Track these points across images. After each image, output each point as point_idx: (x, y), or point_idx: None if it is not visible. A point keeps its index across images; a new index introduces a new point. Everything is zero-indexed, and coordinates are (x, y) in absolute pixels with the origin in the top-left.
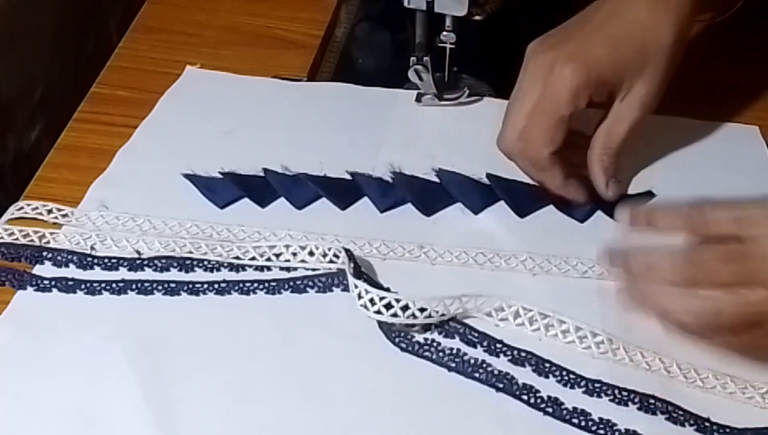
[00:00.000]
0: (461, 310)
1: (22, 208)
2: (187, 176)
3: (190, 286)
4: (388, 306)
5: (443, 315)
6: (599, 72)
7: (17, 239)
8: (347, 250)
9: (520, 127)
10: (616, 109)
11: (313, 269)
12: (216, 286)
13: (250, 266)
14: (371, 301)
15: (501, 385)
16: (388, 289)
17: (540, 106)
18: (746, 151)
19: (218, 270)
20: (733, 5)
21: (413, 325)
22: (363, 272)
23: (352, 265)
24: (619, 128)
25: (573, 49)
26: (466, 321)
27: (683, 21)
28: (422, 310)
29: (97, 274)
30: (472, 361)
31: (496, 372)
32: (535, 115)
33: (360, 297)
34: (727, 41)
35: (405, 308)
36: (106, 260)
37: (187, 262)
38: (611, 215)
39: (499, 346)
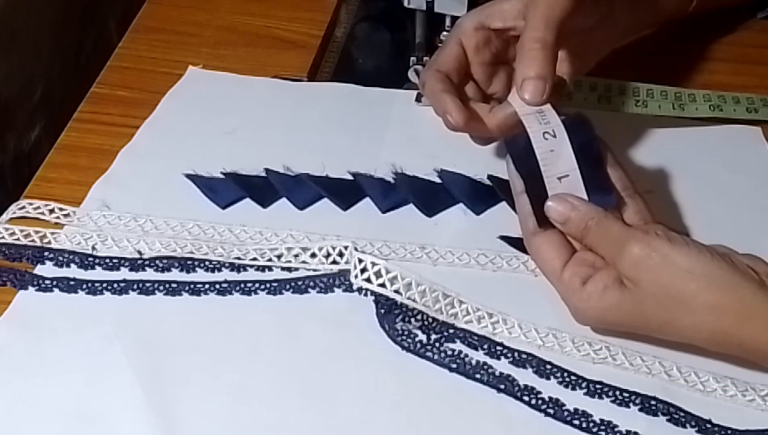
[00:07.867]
0: (459, 314)
1: (23, 207)
2: (188, 176)
3: (192, 286)
4: (393, 280)
5: (439, 310)
6: None
7: (18, 239)
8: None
9: None
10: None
11: (315, 270)
12: (217, 286)
13: (252, 266)
14: (377, 274)
15: (502, 387)
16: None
17: None
18: (748, 151)
19: (219, 270)
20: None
21: (412, 316)
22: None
23: (357, 257)
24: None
25: None
26: (466, 327)
27: None
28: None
29: (98, 274)
30: (474, 362)
31: (497, 373)
32: None
33: (364, 271)
34: (727, 43)
35: (408, 286)
36: (107, 260)
37: (189, 262)
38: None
39: (500, 348)
